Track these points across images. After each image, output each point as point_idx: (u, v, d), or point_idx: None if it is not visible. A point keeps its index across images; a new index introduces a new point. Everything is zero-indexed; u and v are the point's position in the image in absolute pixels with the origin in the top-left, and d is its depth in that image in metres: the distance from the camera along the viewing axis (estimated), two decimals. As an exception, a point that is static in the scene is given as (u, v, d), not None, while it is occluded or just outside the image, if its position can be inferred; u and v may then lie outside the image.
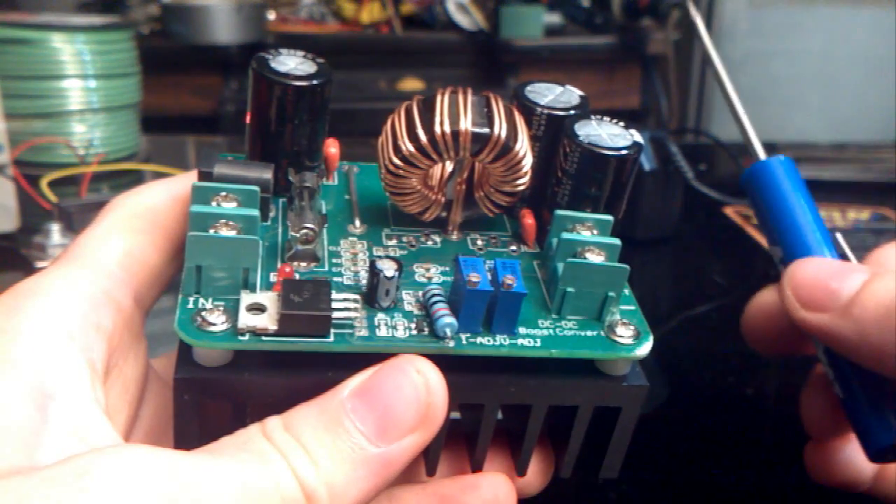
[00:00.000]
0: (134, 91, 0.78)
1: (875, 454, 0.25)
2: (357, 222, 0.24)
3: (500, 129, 0.21)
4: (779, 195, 0.27)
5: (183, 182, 0.24)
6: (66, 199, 0.57)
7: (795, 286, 0.24)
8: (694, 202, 0.65)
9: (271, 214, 0.23)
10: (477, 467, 0.24)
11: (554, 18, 1.31)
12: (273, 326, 0.19)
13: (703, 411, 0.40)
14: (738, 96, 0.30)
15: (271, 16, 1.29)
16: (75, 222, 0.52)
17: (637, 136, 0.23)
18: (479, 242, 0.24)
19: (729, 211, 0.69)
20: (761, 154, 0.28)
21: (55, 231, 0.51)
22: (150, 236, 0.23)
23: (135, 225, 0.22)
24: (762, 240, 0.63)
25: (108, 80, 0.74)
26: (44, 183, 0.59)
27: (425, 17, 1.34)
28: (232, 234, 0.20)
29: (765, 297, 0.28)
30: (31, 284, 0.20)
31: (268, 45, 1.17)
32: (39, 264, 0.49)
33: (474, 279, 0.20)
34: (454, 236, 0.24)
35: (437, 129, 0.21)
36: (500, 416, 0.23)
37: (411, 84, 1.28)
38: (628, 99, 1.32)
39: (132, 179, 0.72)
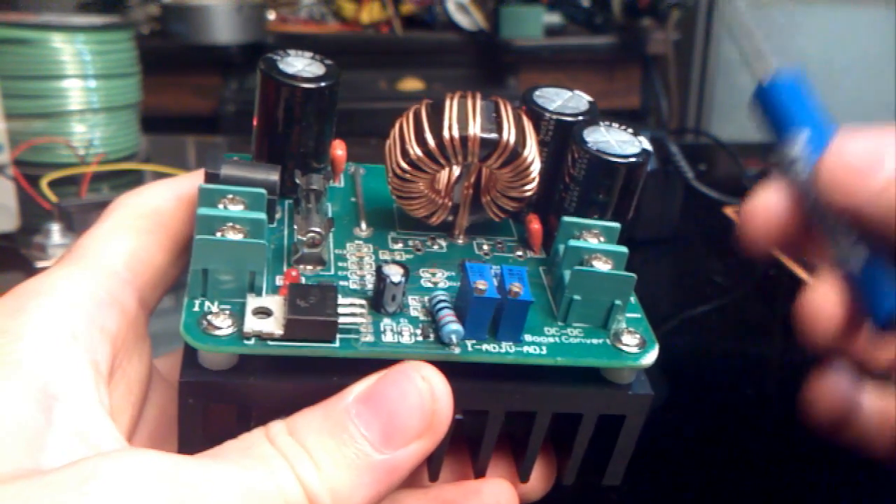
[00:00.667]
0: (134, 91, 0.78)
1: (886, 319, 0.24)
2: (363, 225, 0.24)
3: (509, 134, 0.21)
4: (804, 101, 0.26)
5: (187, 182, 0.24)
6: (66, 199, 0.57)
7: (832, 166, 0.23)
8: (694, 202, 0.65)
9: (277, 216, 0.23)
10: (480, 473, 0.23)
11: (554, 18, 1.31)
12: (279, 331, 0.19)
13: (703, 411, 0.40)
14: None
15: (271, 16, 1.28)
16: (75, 222, 0.52)
17: (646, 143, 0.23)
18: (486, 247, 0.24)
19: (729, 211, 0.69)
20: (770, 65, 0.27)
21: (55, 231, 0.51)
22: (154, 236, 0.22)
23: (138, 225, 0.22)
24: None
25: (108, 80, 0.74)
26: (44, 183, 0.59)
27: (425, 17, 1.34)
28: (239, 237, 0.20)
29: (769, 196, 0.27)
30: (34, 285, 0.20)
31: (268, 45, 1.17)
32: (39, 264, 0.49)
33: (481, 286, 0.20)
34: (460, 240, 0.24)
35: (446, 133, 0.21)
36: (503, 419, 0.23)
37: (411, 84, 1.28)
38: (628, 99, 1.32)
39: (132, 179, 0.72)
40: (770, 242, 0.26)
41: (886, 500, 0.35)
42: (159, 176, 0.67)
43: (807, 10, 1.32)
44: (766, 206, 0.26)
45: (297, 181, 0.23)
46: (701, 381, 0.44)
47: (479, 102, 0.22)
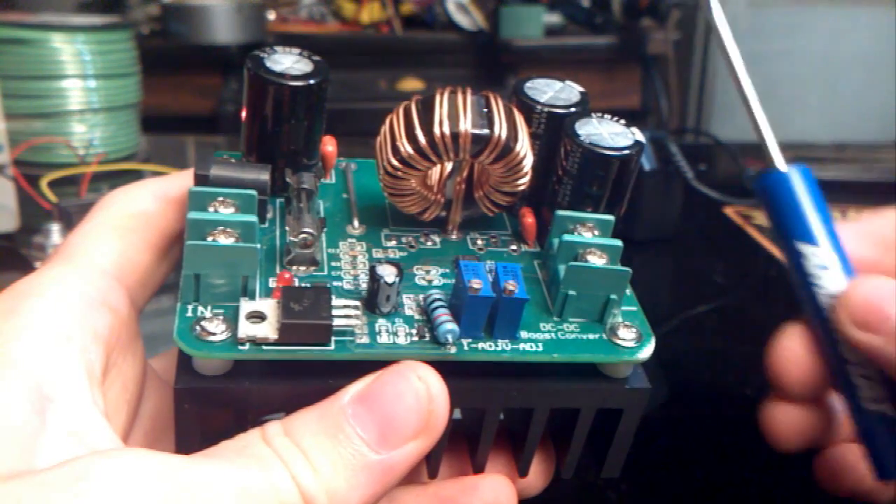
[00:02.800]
0: (134, 91, 0.77)
1: (887, 475, 0.26)
2: (356, 222, 0.24)
3: (501, 129, 0.21)
4: (810, 206, 0.28)
5: (174, 181, 0.23)
6: (66, 199, 0.57)
7: (852, 306, 0.25)
8: (694, 202, 0.65)
9: (268, 216, 0.23)
10: (478, 469, 0.23)
11: (554, 18, 1.31)
12: (273, 335, 0.19)
13: (703, 411, 0.40)
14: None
15: (271, 16, 1.29)
16: (75, 222, 0.52)
17: (639, 135, 0.23)
18: (479, 242, 0.24)
19: (729, 211, 0.69)
20: (780, 162, 0.28)
21: (55, 231, 0.51)
22: (141, 235, 0.22)
23: (126, 224, 0.22)
24: (762, 240, 0.63)
25: (108, 80, 0.74)
26: (44, 183, 0.59)
27: (425, 17, 1.34)
28: (230, 241, 0.20)
29: (790, 340, 0.28)
30: (25, 286, 0.20)
31: (267, 45, 1.17)
32: (39, 264, 0.49)
33: (475, 285, 0.20)
34: (454, 236, 0.24)
35: (437, 130, 0.21)
36: (501, 416, 0.23)
37: (411, 84, 1.28)
38: (628, 99, 1.32)
39: (132, 179, 0.71)
40: (801, 383, 0.27)
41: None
42: (159, 176, 0.67)
43: (807, 10, 1.32)
44: (789, 348, 0.27)
45: (288, 180, 0.23)
46: (701, 381, 0.44)
47: (469, 97, 0.21)
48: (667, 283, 0.61)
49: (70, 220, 0.52)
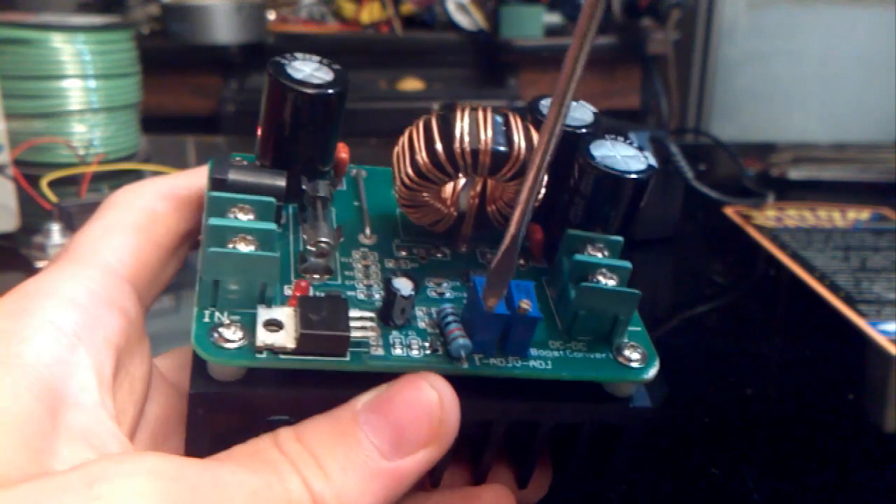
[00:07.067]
0: (134, 91, 0.77)
1: None
2: (368, 231, 0.24)
3: (520, 148, 0.21)
4: None
5: (181, 179, 0.23)
6: (66, 199, 0.57)
7: None
8: (694, 202, 0.65)
9: (282, 222, 0.23)
10: (480, 480, 0.24)
11: (554, 18, 1.32)
12: (291, 345, 0.19)
13: (703, 411, 0.40)
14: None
15: (271, 16, 1.29)
16: (75, 222, 0.52)
17: (651, 159, 0.23)
18: (489, 256, 0.24)
19: (729, 211, 0.69)
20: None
21: (55, 231, 0.51)
22: (149, 234, 0.22)
23: (134, 223, 0.22)
24: (762, 240, 0.63)
25: (108, 80, 0.74)
26: (44, 183, 0.59)
27: (425, 17, 1.34)
28: (250, 248, 0.20)
29: None
30: (35, 285, 0.19)
31: (268, 45, 1.17)
32: (39, 264, 0.49)
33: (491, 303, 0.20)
34: (463, 248, 0.24)
35: (457, 146, 0.21)
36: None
37: (411, 84, 1.28)
38: (628, 99, 1.32)
39: (132, 179, 0.71)
40: None
41: (886, 501, 0.35)
42: (159, 176, 0.67)
43: (807, 10, 1.32)
44: None
45: (304, 187, 0.23)
46: (700, 380, 0.44)
47: (489, 115, 0.21)
48: (667, 283, 0.61)
49: (70, 220, 0.52)
